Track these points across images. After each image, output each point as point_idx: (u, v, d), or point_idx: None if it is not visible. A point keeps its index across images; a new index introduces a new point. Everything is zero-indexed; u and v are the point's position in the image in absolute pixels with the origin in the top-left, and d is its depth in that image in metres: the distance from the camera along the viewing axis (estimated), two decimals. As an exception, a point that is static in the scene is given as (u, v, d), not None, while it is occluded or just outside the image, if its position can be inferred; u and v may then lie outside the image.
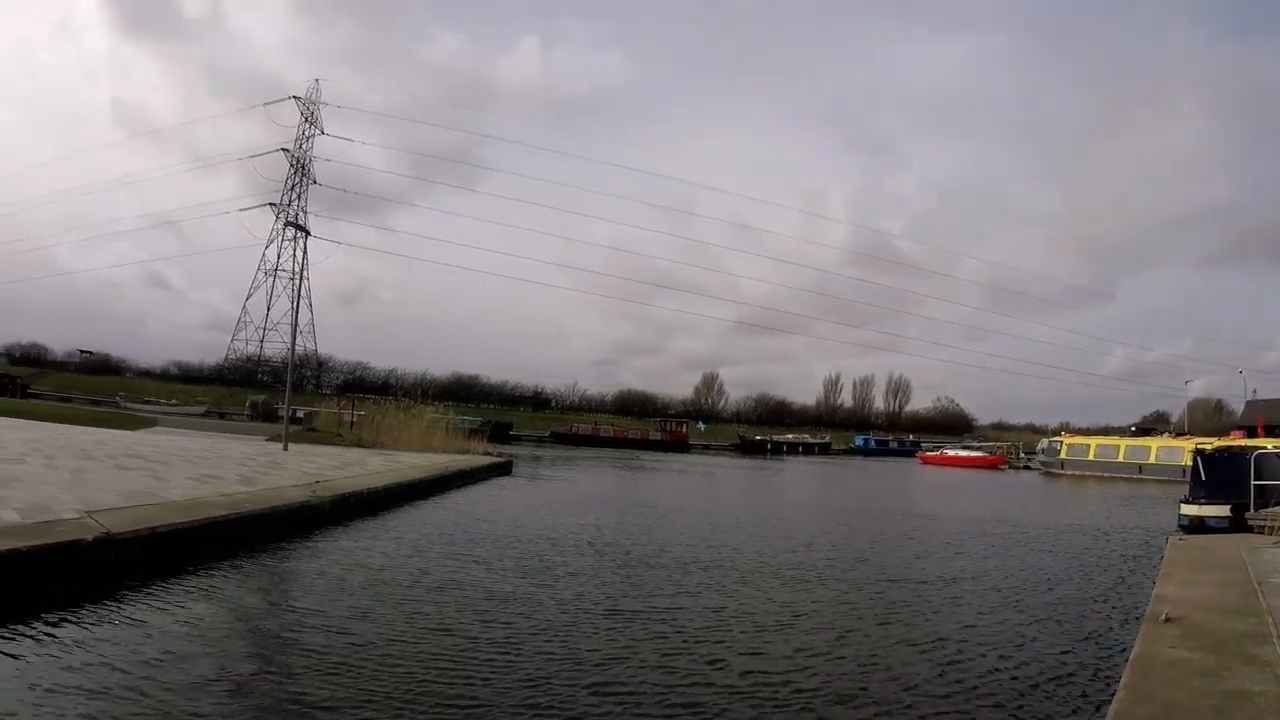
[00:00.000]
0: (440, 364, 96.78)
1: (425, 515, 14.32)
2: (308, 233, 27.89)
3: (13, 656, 5.13)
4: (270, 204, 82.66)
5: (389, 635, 6.32)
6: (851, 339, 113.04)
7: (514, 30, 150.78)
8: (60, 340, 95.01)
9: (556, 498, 20.28)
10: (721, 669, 5.92)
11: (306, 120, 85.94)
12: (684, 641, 6.67)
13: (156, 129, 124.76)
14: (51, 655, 5.21)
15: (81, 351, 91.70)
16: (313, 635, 6.17)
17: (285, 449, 21.34)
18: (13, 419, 24.14)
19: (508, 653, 6.01)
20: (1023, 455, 61.40)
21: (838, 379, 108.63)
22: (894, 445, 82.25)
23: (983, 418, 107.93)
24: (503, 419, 64.47)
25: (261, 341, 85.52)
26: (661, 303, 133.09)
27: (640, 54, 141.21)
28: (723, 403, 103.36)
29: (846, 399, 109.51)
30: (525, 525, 13.57)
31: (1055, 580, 10.68)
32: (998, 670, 6.16)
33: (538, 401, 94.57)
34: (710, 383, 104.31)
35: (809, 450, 74.10)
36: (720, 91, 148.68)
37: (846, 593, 9.21)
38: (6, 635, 5.49)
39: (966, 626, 7.65)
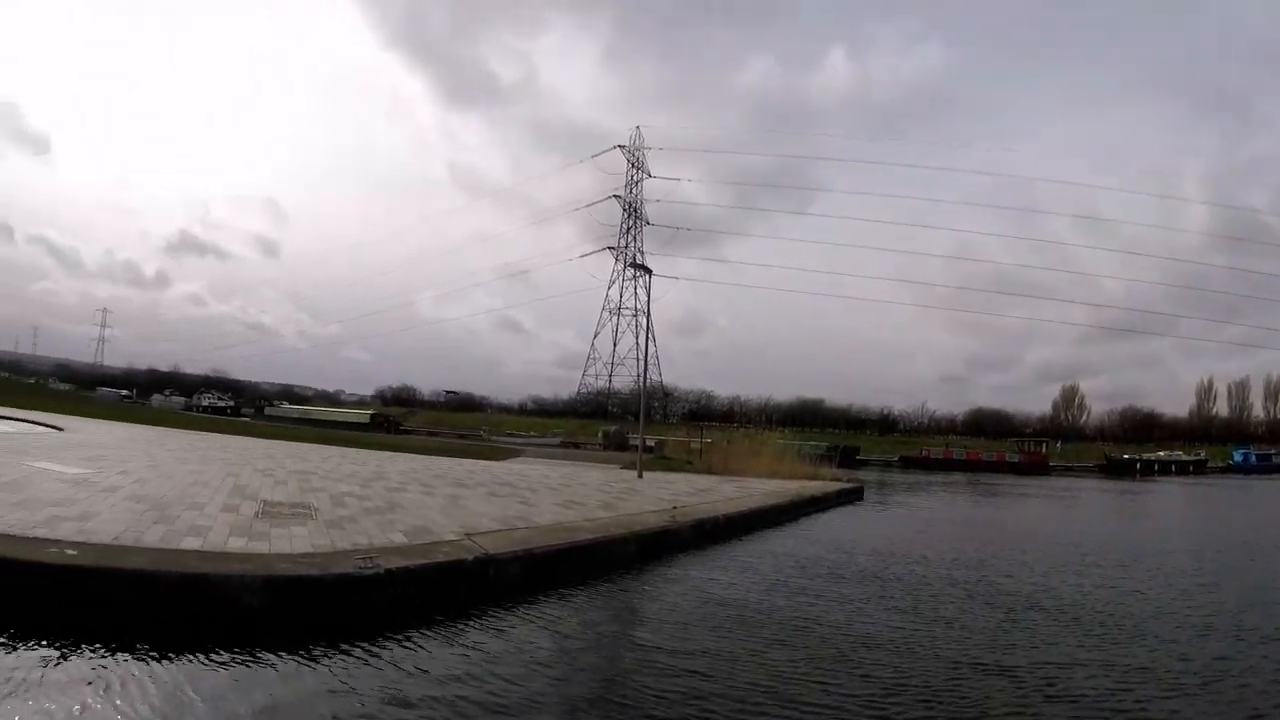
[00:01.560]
0: (782, 389, 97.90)
1: (778, 543, 13.73)
2: (650, 272, 29.15)
3: (400, 667, 5.35)
4: (609, 248, 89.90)
5: (738, 674, 5.78)
6: (1223, 337, 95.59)
7: (821, 42, 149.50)
8: (428, 381, 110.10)
9: (912, 527, 19.22)
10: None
11: (633, 166, 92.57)
12: (1098, 705, 5.48)
13: (495, 188, 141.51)
14: (426, 666, 5.41)
15: (447, 392, 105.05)
16: (661, 665, 5.88)
17: (640, 476, 22.01)
18: (390, 453, 27.52)
19: (885, 712, 5.19)
20: None
21: (1210, 384, 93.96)
22: (1277, 460, 69.16)
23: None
24: (849, 443, 63.20)
25: (610, 376, 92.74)
26: (1010, 311, 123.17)
27: (956, 42, 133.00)
28: (1084, 418, 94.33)
29: (1221, 407, 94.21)
30: (885, 557, 12.48)
31: None
32: None
33: (884, 424, 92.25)
34: (1070, 396, 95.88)
35: (1182, 469, 65.95)
36: (1048, 71, 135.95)
37: (1273, 644, 7.42)
38: (398, 642, 5.78)
39: None
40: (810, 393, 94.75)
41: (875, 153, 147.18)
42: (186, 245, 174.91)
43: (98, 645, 4.98)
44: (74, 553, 5.95)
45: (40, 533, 6.56)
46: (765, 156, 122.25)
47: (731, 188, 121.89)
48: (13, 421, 22.15)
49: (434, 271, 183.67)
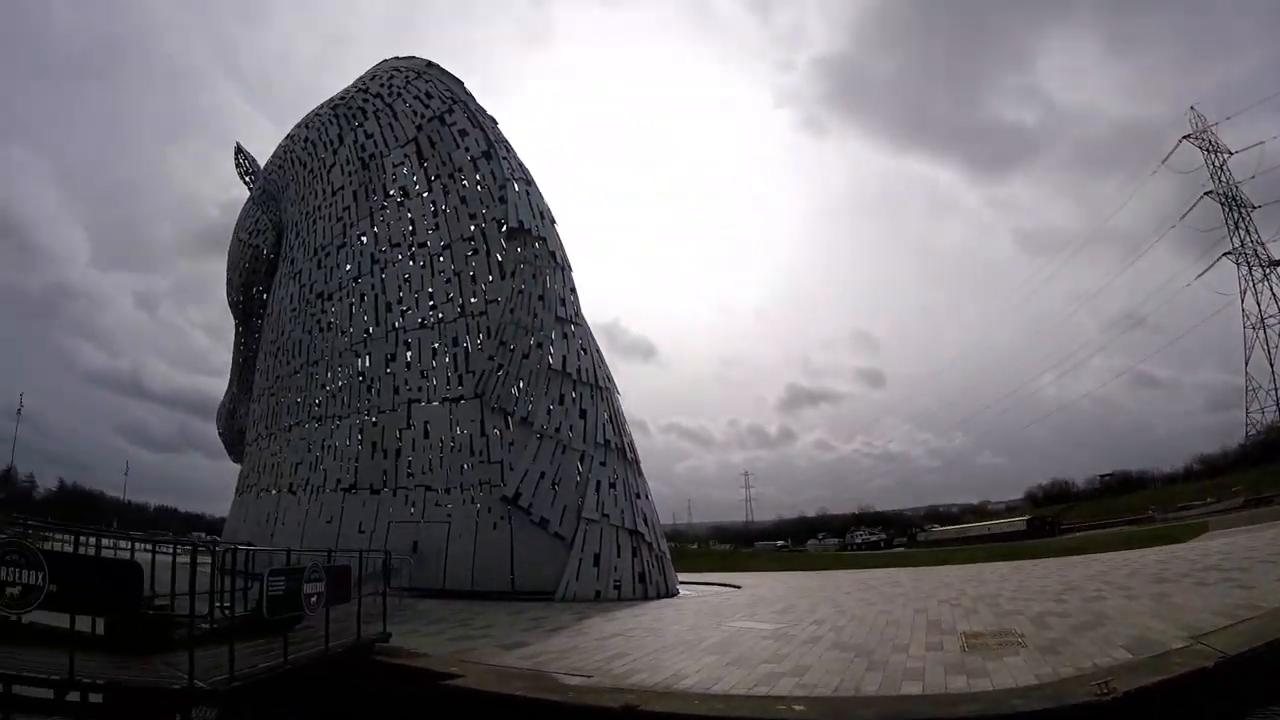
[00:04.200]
0: None
1: None
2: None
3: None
4: (1225, 254, 77.51)
5: None
6: None
7: None
8: (1077, 470, 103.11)
9: None
10: None
11: (1208, 150, 79.54)
12: None
13: (1071, 237, 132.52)
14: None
15: (1101, 476, 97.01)
16: None
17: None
18: (1063, 557, 26.46)
19: None
20: None
21: None
22: None
23: None
24: None
25: (1277, 404, 77.88)
26: None
27: None
28: None
29: None
30: None
31: None
32: None
33: None
34: None
35: None
36: None
37: None
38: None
39: None
40: None
41: None
42: (798, 399, 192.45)
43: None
44: (801, 708, 6.68)
45: (761, 690, 7.47)
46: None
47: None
48: (695, 586, 25.72)
49: (1042, 350, 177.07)
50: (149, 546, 11.42)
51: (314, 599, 10.23)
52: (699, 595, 21.98)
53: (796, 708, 6.77)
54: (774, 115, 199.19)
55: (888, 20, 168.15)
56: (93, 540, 11.25)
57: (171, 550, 11.51)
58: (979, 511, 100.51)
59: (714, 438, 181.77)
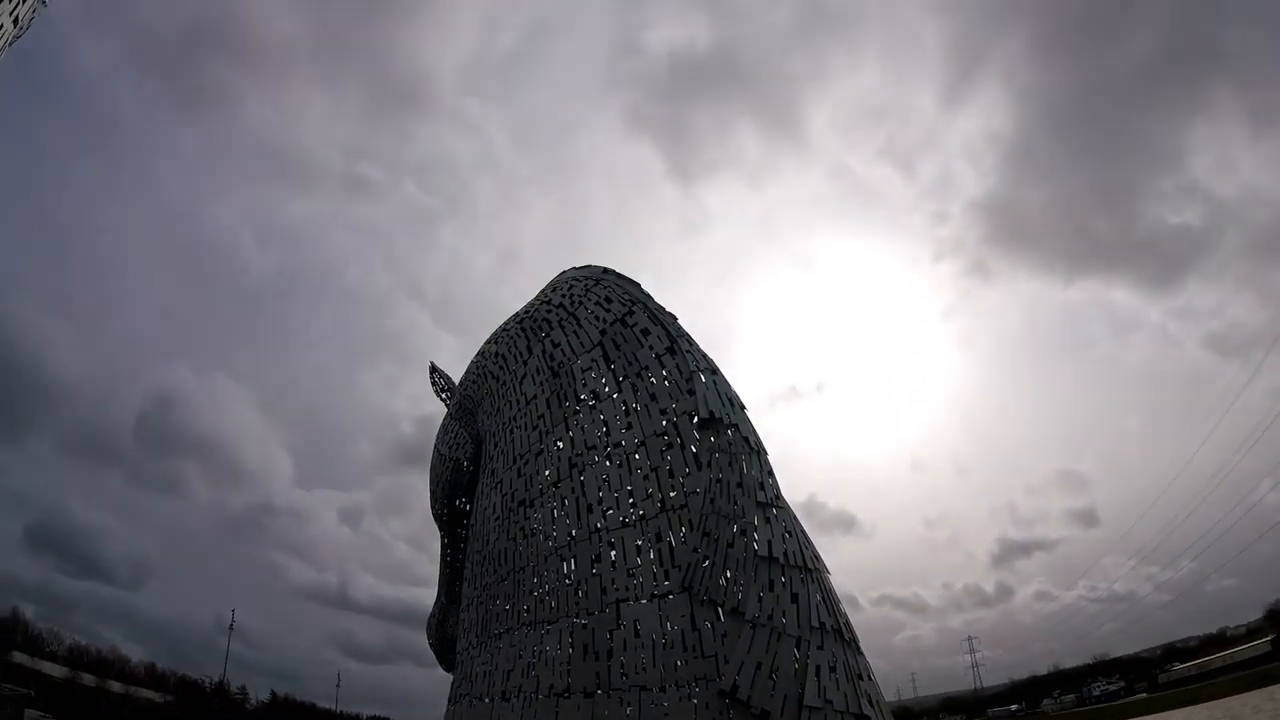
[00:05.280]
0: None
1: None
2: None
3: None
4: None
5: None
6: None
7: None
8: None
9: None
10: None
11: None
12: None
13: (1252, 335, 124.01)
14: None
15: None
16: None
17: None
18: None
19: None
20: None
21: None
22: None
23: None
24: None
25: None
26: None
27: None
28: None
29: None
30: None
31: None
32: None
33: None
34: None
35: None
36: None
37: None
38: None
39: None
40: None
41: None
42: (1010, 551, 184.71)
43: None
44: None
45: None
46: None
47: None
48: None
49: (1256, 456, 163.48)
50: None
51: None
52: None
53: None
54: (936, 269, 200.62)
55: (1031, 151, 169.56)
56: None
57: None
58: (1219, 640, 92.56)
59: (929, 604, 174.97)
